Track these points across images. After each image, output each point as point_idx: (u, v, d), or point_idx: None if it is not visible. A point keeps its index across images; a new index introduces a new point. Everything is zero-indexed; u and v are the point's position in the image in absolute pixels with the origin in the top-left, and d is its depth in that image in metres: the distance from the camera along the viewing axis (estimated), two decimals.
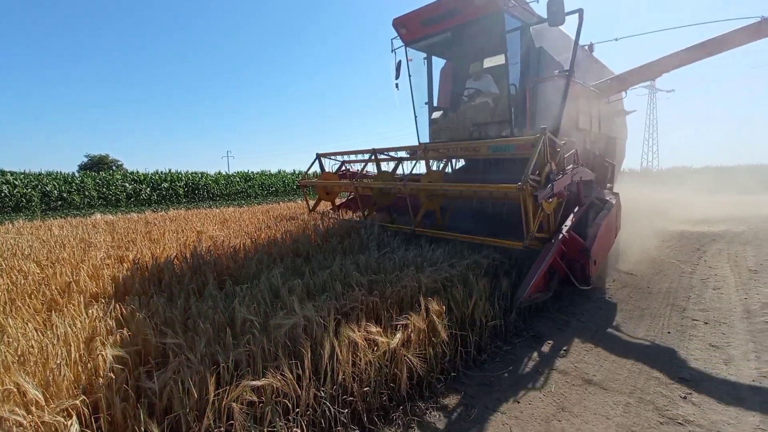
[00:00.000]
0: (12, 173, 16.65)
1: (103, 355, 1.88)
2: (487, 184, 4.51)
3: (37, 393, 1.58)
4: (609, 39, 7.16)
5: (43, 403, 1.57)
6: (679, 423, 2.40)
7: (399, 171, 6.21)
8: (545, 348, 3.37)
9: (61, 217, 9.89)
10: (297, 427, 1.88)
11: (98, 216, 7.32)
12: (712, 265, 6.33)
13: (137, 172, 19.77)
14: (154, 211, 9.43)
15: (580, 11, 4.87)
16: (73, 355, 1.86)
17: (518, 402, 2.58)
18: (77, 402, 1.60)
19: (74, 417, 1.49)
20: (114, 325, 2.20)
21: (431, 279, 3.30)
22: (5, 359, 1.77)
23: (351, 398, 2.18)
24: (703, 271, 5.97)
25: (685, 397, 2.67)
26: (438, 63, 7.17)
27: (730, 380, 2.90)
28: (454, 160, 6.80)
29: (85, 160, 40.18)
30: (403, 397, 2.41)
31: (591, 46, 7.31)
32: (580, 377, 2.92)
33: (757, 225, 10.39)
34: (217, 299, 2.75)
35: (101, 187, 16.91)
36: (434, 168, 5.57)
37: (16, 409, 1.49)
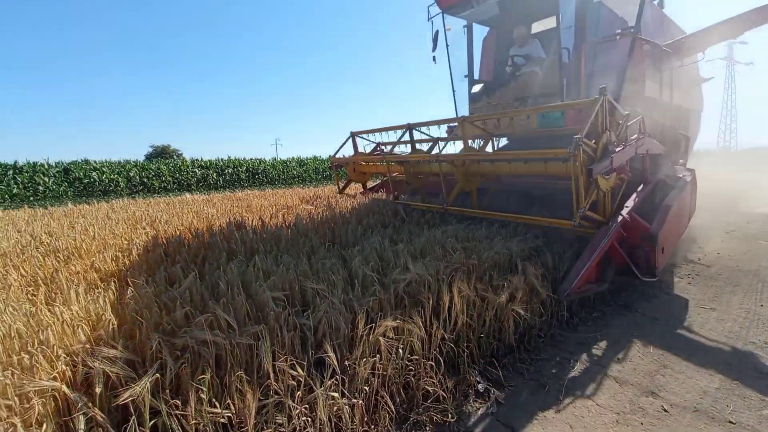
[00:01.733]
0: (98, 162, 18.63)
1: (263, 297, 2.27)
2: (529, 151, 3.96)
3: (229, 319, 1.97)
4: None
5: (236, 327, 1.96)
6: None
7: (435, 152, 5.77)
8: (637, 317, 3.44)
9: (143, 199, 11.01)
10: (430, 361, 2.17)
11: (188, 195, 8.15)
12: None
13: (201, 159, 21.34)
14: (232, 192, 10.26)
15: None
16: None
17: (618, 359, 2.72)
18: (259, 327, 1.98)
19: (261, 340, 1.85)
20: (261, 273, 2.62)
21: (520, 247, 3.47)
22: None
23: (467, 344, 2.44)
24: None
25: None
26: (480, 32, 6.50)
27: None
28: (496, 140, 6.01)
29: (150, 150, 43.32)
30: (510, 346, 2.65)
31: (661, 2, 6.45)
32: (678, 336, 3.00)
33: None
34: (332, 259, 3.10)
35: (175, 173, 18.45)
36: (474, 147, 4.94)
37: (210, 332, 1.88)
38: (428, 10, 5.85)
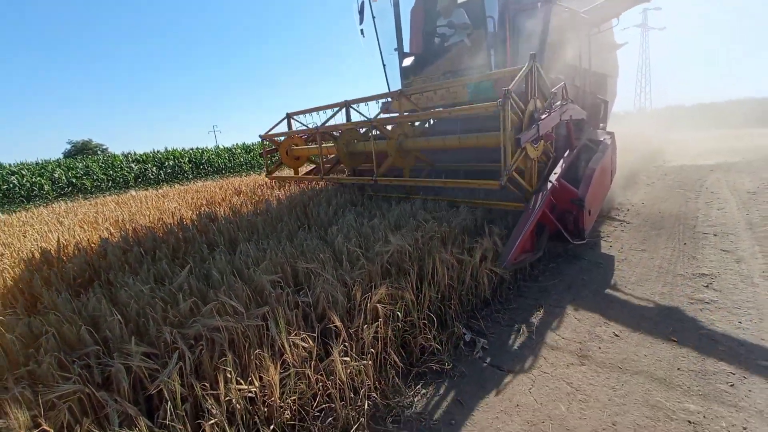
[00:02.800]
0: (14, 165, 16.62)
1: (260, 281, 2.36)
2: (459, 107, 3.88)
3: (236, 304, 2.06)
4: None
5: (243, 311, 2.05)
6: (706, 302, 2.98)
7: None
8: (584, 264, 3.94)
9: (84, 200, 10.15)
10: (423, 320, 2.41)
11: (133, 192, 7.66)
12: (713, 191, 6.89)
13: (135, 153, 19.73)
14: (180, 185, 9.74)
15: None
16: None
17: (573, 300, 3.15)
18: (265, 309, 2.08)
19: (272, 320, 1.97)
20: (250, 260, 2.68)
21: (481, 216, 3.80)
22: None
23: (451, 301, 2.71)
24: (706, 196, 6.53)
25: (707, 286, 3.25)
26: (408, 2, 6.23)
27: (743, 272, 3.48)
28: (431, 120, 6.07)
29: (69, 147, 39.49)
30: (486, 300, 2.98)
31: None
32: (619, 275, 3.51)
33: (749, 156, 10.96)
34: (314, 240, 3.21)
35: (107, 169, 16.96)
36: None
37: (221, 318, 1.97)
38: None
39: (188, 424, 1.57)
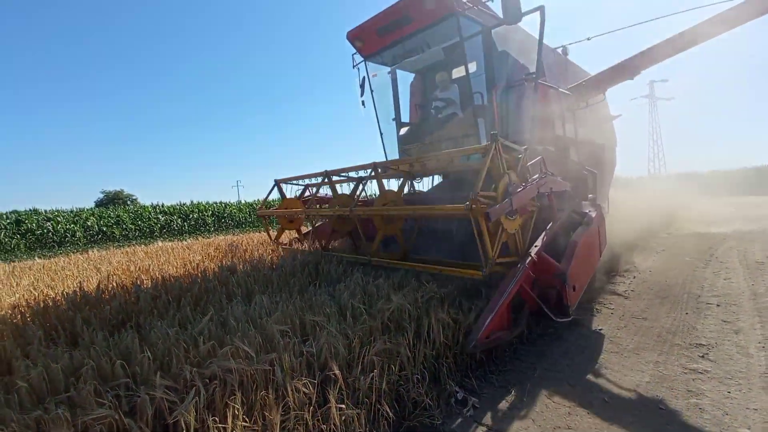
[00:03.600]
0: (51, 211, 17.84)
1: (271, 330, 2.62)
2: (433, 206, 4.17)
3: (248, 350, 2.32)
4: (581, 39, 7.01)
5: (253, 356, 2.31)
6: (699, 372, 3.04)
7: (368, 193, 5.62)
8: (583, 330, 4.03)
9: (114, 248, 10.78)
10: (417, 374, 2.59)
11: (160, 243, 8.19)
12: (723, 260, 6.92)
13: (162, 204, 20.95)
14: (205, 238, 10.31)
15: (542, 8, 4.59)
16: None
17: (568, 365, 3.25)
18: (273, 355, 2.33)
19: (278, 365, 2.21)
20: (264, 310, 2.96)
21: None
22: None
23: (446, 359, 2.88)
24: (714, 265, 6.57)
25: (702, 356, 3.31)
26: (406, 77, 6.81)
27: (740, 344, 3.52)
28: (433, 177, 6.35)
29: (101, 196, 41.11)
30: (480, 361, 3.11)
31: (565, 50, 6.98)
32: (617, 344, 3.58)
33: (764, 224, 10.93)
34: (323, 295, 3.49)
35: (136, 220, 17.98)
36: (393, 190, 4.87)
37: (234, 361, 2.22)
38: (353, 58, 6.20)
39: None
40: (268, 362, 2.29)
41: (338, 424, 2.05)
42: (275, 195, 6.67)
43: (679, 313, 4.36)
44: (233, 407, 1.90)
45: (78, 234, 16.28)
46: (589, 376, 3.04)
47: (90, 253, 7.06)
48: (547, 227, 3.88)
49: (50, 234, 15.88)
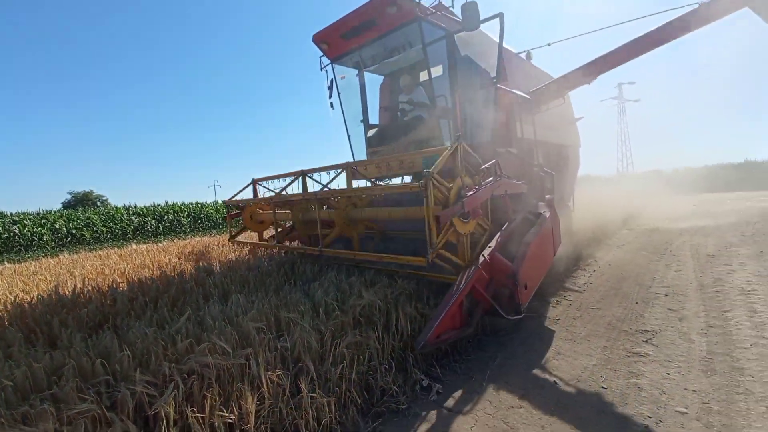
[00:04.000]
0: (17, 214, 17.16)
1: (247, 327, 2.77)
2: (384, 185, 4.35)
3: (225, 345, 2.47)
4: (542, 45, 7.14)
5: (230, 351, 2.46)
6: (641, 356, 3.37)
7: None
8: (543, 320, 4.34)
9: (86, 251, 10.54)
10: (384, 365, 2.80)
11: (134, 245, 8.11)
12: (676, 254, 7.44)
13: (135, 205, 20.45)
14: (180, 239, 10.20)
15: (501, 15, 4.75)
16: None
17: (526, 352, 3.53)
18: (249, 350, 2.49)
19: (253, 359, 2.38)
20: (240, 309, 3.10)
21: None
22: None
23: (412, 350, 3.10)
24: (668, 259, 7.06)
25: (646, 341, 3.66)
26: (376, 79, 6.88)
27: (683, 330, 3.89)
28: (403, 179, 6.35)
29: (69, 197, 39.41)
30: (445, 351, 3.35)
31: (528, 54, 7.13)
32: (571, 330, 3.89)
33: (718, 220, 11.71)
34: (297, 293, 3.65)
35: (107, 221, 17.50)
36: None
37: (211, 356, 2.37)
38: (320, 60, 6.18)
39: None
40: (243, 357, 2.45)
41: (310, 411, 2.24)
42: (248, 194, 6.47)
43: (630, 303, 4.74)
44: (210, 398, 2.05)
45: (46, 237, 15.73)
46: (543, 362, 3.33)
47: (61, 257, 6.95)
48: (502, 228, 3.94)
49: (17, 238, 15.29)
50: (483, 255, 3.50)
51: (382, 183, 6.27)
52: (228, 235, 7.12)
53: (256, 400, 2.19)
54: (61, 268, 5.13)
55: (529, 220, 4.32)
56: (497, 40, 5.17)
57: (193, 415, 1.98)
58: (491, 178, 3.92)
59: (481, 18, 4.60)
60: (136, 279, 3.95)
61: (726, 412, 2.56)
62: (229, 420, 2.08)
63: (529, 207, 4.50)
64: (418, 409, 2.69)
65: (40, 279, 4.40)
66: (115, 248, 8.41)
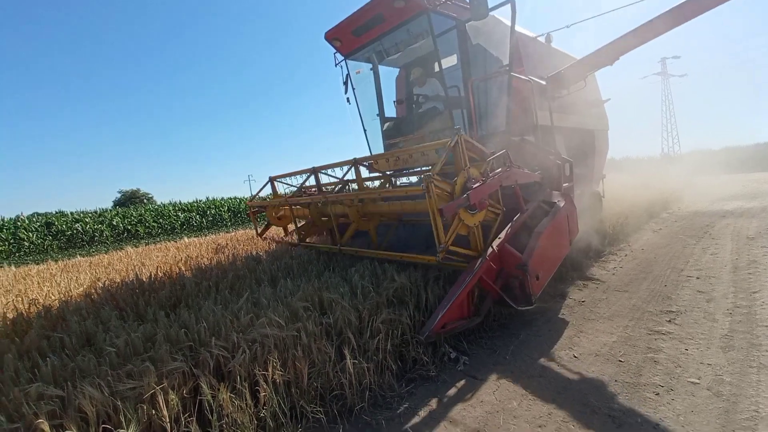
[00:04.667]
0: (77, 213, 18.91)
1: (296, 306, 3.21)
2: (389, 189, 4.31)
3: (279, 320, 2.91)
4: (561, 27, 6.66)
5: (284, 324, 2.89)
6: (662, 333, 3.54)
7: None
8: (569, 302, 4.54)
9: (144, 245, 11.57)
10: (416, 340, 3.16)
11: (186, 239, 8.92)
12: (715, 237, 7.28)
13: (180, 202, 21.89)
14: (227, 233, 11.02)
15: (512, 1, 4.66)
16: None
17: (549, 330, 3.78)
18: (299, 324, 2.92)
19: (303, 332, 2.80)
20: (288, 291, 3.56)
21: None
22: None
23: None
24: (705, 242, 6.94)
25: (670, 321, 3.80)
26: (392, 71, 6.81)
27: (708, 310, 3.98)
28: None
29: (119, 195, 41.67)
30: (472, 329, 3.67)
31: (548, 37, 6.86)
32: (596, 312, 4.08)
33: (766, 200, 11.12)
34: (336, 278, 4.06)
35: (158, 218, 18.92)
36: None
37: (270, 329, 2.81)
38: (334, 57, 6.17)
39: (248, 394, 2.37)
40: (295, 330, 2.88)
41: (352, 373, 2.64)
42: (268, 191, 6.71)
43: (659, 286, 4.82)
44: (272, 361, 2.49)
45: (105, 233, 17.26)
46: (564, 339, 3.57)
47: (126, 250, 7.79)
48: (514, 219, 3.94)
49: (80, 234, 16.91)
50: (492, 246, 3.55)
51: (394, 176, 6.42)
52: (254, 232, 7.35)
53: (307, 363, 2.61)
54: (131, 260, 5.87)
55: (543, 210, 4.26)
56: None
57: (260, 372, 2.43)
58: (500, 169, 3.88)
59: (491, 5, 4.52)
60: (197, 267, 4.53)
61: (737, 383, 2.72)
62: (287, 378, 2.51)
63: (544, 196, 4.44)
64: (447, 377, 3.03)
65: (115, 269, 5.11)
66: (171, 242, 9.27)
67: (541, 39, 6.72)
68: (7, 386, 2.27)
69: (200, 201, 22.25)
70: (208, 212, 20.86)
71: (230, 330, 2.74)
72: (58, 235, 16.40)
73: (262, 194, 6.90)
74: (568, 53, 7.21)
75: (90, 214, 18.54)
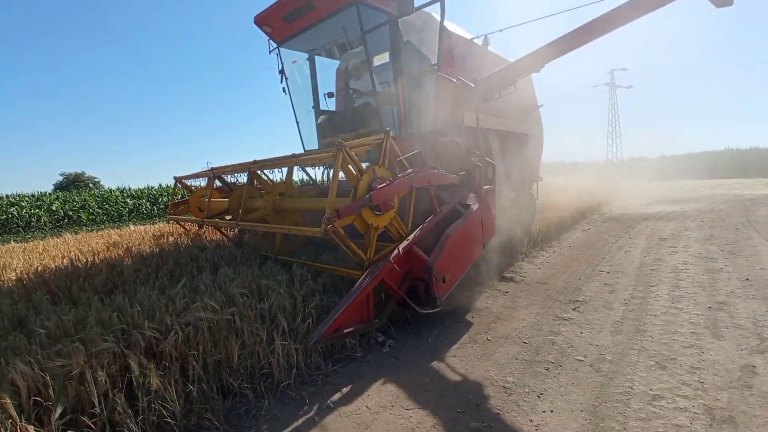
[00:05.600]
0: (13, 196, 17.54)
1: (233, 292, 3.39)
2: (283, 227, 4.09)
3: (215, 305, 3.08)
4: (494, 30, 6.75)
5: (218, 308, 3.07)
6: (565, 320, 4.05)
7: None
8: (492, 293, 5.01)
9: (85, 232, 11.06)
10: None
11: (132, 227, 8.67)
12: (632, 237, 8.14)
13: (130, 188, 20.87)
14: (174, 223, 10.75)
15: (441, 0, 4.61)
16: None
17: (472, 316, 4.19)
18: (234, 309, 3.11)
19: (237, 316, 3.00)
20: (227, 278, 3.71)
21: None
22: None
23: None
24: (623, 241, 7.76)
25: (574, 309, 4.33)
26: (332, 63, 6.60)
27: (608, 300, 4.56)
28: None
29: (61, 178, 38.55)
30: (403, 314, 4.01)
31: (486, 39, 6.83)
32: (514, 302, 4.56)
33: (686, 205, 12.44)
34: (278, 266, 4.25)
35: (103, 203, 17.94)
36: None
37: (204, 312, 2.98)
38: (268, 43, 5.92)
39: (177, 371, 2.55)
40: (229, 314, 3.07)
41: (281, 353, 2.87)
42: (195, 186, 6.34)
43: (573, 279, 5.42)
44: (203, 343, 2.68)
45: (43, 219, 16.17)
46: (482, 325, 4.00)
47: (64, 236, 7.50)
48: (426, 221, 3.87)
49: (15, 219, 15.73)
50: (398, 248, 3.45)
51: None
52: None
53: (238, 345, 2.82)
54: (68, 246, 5.71)
55: (458, 212, 4.17)
56: (447, 24, 5.01)
57: (190, 353, 2.61)
58: (410, 170, 3.78)
59: (419, 3, 4.43)
60: (138, 254, 4.54)
61: (617, 362, 3.21)
62: (217, 358, 2.71)
63: (460, 198, 4.37)
64: (372, 358, 3.34)
65: (51, 255, 4.99)
66: (115, 229, 8.97)
67: (478, 41, 6.71)
68: None
69: (152, 187, 21.30)
70: (160, 200, 20.02)
71: (164, 314, 2.88)
72: None
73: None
74: (505, 57, 7.20)
75: (25, 198, 17.28)
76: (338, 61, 6.63)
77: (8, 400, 2.05)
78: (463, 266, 4.00)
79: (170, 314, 2.90)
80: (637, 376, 2.97)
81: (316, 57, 6.29)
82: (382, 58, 5.47)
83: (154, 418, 2.30)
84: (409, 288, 3.51)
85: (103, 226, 15.09)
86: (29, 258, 4.91)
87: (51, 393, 2.16)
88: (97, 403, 2.22)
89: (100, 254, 4.68)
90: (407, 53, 5.36)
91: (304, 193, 5.66)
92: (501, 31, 6.61)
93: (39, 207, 16.75)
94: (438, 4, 4.71)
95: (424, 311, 3.43)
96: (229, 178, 6.02)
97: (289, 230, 3.96)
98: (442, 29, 5.04)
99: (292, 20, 5.33)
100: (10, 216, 15.75)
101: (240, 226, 4.38)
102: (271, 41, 5.90)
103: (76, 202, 17.82)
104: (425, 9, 4.89)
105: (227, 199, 5.11)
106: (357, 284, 3.22)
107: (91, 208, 17.58)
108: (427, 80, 5.33)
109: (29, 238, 11.57)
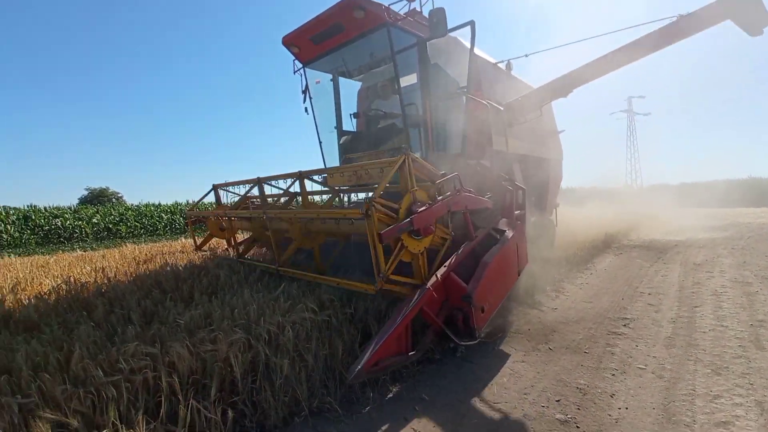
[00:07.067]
0: (54, 208, 18.52)
1: (322, 297, 3.80)
2: (325, 210, 4.07)
3: (313, 307, 3.49)
4: (520, 56, 6.66)
5: (317, 309, 3.47)
6: (618, 334, 4.33)
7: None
8: (543, 312, 5.31)
9: (133, 243, 11.69)
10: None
11: (183, 240, 9.21)
12: (666, 262, 8.34)
13: (160, 204, 21.79)
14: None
15: (472, 23, 4.64)
16: None
17: (529, 330, 4.51)
18: (330, 312, 3.51)
19: (330, 318, 3.40)
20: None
21: None
22: None
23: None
24: (658, 266, 7.97)
25: (625, 324, 4.61)
26: (353, 84, 6.62)
27: (656, 318, 4.82)
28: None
29: (86, 193, 39.09)
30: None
31: (509, 64, 6.84)
32: (564, 318, 4.85)
33: (715, 233, 12.53)
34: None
35: (141, 218, 18.79)
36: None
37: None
38: (293, 64, 5.97)
39: (299, 363, 2.93)
40: (326, 315, 3.46)
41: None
42: (211, 198, 6.51)
43: (617, 299, 5.68)
44: (315, 337, 3.07)
45: (87, 230, 17.02)
46: (541, 336, 4.30)
47: (125, 246, 8.06)
48: (462, 246, 3.76)
49: (59, 230, 16.60)
50: (436, 275, 3.33)
51: (350, 192, 6.14)
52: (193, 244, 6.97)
53: (341, 342, 3.21)
54: (142, 254, 6.23)
55: (493, 238, 4.08)
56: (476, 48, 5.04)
57: (305, 346, 3.00)
58: (449, 193, 3.67)
59: (451, 25, 4.51)
60: (222, 264, 5.02)
61: (677, 370, 3.49)
62: (325, 353, 3.10)
63: (494, 224, 4.28)
64: (448, 361, 3.69)
65: (136, 261, 5.48)
66: (155, 242, 9.54)
67: (502, 66, 6.78)
68: (98, 348, 2.75)
69: (181, 204, 22.22)
70: None
71: (273, 313, 3.29)
72: (35, 230, 16.05)
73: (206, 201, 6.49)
74: (527, 82, 7.28)
75: (67, 210, 18.23)
76: (358, 82, 6.68)
77: (174, 379, 2.46)
78: (500, 295, 3.91)
79: (279, 314, 3.31)
80: (698, 381, 3.26)
81: (340, 78, 6.28)
82: (408, 80, 5.52)
83: (286, 398, 2.68)
84: (446, 318, 3.39)
85: (140, 239, 15.81)
86: (110, 264, 5.40)
87: (205, 373, 2.57)
88: (240, 383, 2.62)
89: (186, 261, 5.15)
90: (435, 75, 5.35)
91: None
92: (527, 56, 6.55)
93: (80, 219, 17.64)
94: (468, 28, 4.78)
95: (462, 343, 3.35)
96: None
97: (339, 284, 3.66)
98: (473, 52, 5.06)
99: (320, 41, 5.36)
100: (53, 227, 16.63)
101: (282, 272, 4.27)
102: (295, 62, 5.97)
103: (114, 215, 18.70)
104: (451, 33, 4.85)
105: (248, 215, 5.01)
106: (395, 314, 3.10)
107: (129, 221, 18.42)
108: (455, 102, 5.36)
109: (78, 248, 12.26)
